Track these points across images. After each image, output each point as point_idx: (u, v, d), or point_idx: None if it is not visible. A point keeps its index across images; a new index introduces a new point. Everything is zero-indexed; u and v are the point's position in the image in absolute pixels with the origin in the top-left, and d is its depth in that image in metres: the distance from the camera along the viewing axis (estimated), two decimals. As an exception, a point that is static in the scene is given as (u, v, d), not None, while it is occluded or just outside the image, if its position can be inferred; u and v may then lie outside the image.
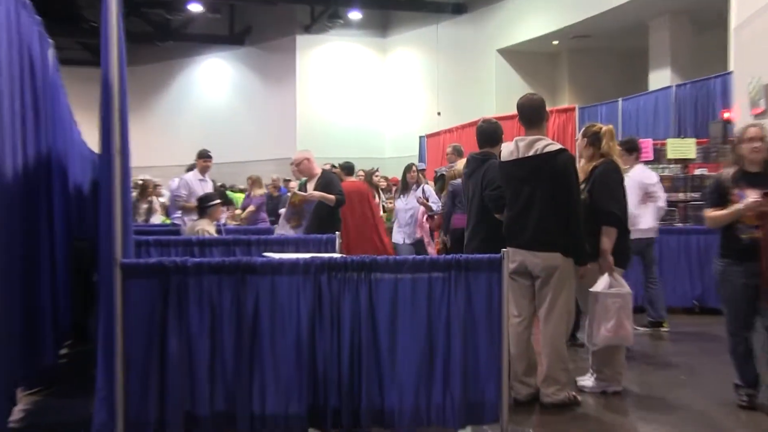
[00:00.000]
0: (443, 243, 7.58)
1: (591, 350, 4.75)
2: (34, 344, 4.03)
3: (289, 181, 12.06)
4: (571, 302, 4.52)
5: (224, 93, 22.38)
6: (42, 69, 4.36)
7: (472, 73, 18.27)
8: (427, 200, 7.94)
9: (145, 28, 20.29)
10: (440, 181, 8.23)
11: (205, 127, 21.37)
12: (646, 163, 7.38)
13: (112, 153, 3.46)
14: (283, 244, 5.64)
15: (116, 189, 3.46)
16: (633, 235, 6.07)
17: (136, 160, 4.15)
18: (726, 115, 9.72)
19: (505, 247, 4.00)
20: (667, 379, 5.18)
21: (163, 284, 3.63)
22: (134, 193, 10.43)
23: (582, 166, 4.81)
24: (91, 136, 6.01)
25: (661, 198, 6.73)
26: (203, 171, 8.05)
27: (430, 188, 8.39)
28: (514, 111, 4.83)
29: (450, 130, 13.20)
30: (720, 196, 4.32)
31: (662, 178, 7.22)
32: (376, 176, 10.07)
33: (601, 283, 4.54)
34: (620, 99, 13.43)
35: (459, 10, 18.60)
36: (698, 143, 8.56)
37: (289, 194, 7.61)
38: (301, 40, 20.36)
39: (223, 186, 15.02)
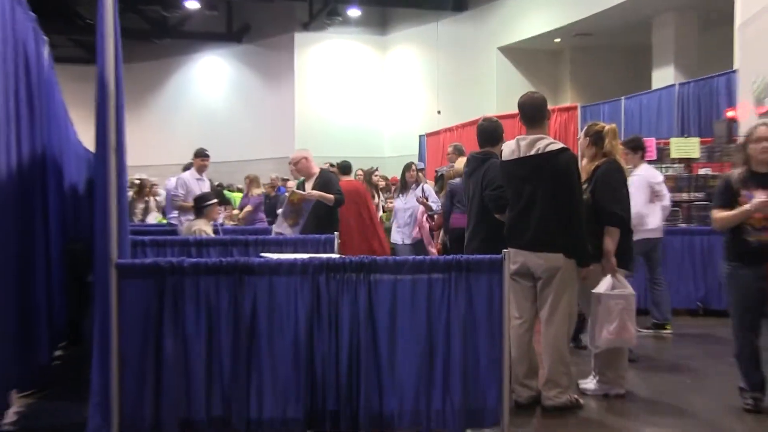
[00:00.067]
0: (443, 243, 7.57)
1: (593, 352, 4.75)
2: (28, 345, 4.03)
3: (287, 180, 12.05)
4: (574, 304, 4.51)
5: (222, 91, 22.38)
6: (37, 66, 4.35)
7: (473, 71, 18.27)
8: (427, 199, 7.92)
9: (141, 25, 20.28)
10: (440, 181, 8.22)
11: (202, 125, 21.38)
12: (650, 162, 7.37)
13: (108, 151, 3.46)
14: (281, 245, 5.64)
15: (112, 188, 3.46)
16: (641, 235, 6.10)
17: (132, 159, 4.15)
18: (729, 114, 9.71)
19: (506, 248, 4.01)
20: (671, 382, 5.17)
21: (159, 285, 3.63)
22: (131, 193, 10.43)
23: (584, 166, 4.81)
24: (86, 135, 6.01)
25: (666, 197, 6.73)
26: (200, 170, 8.04)
27: (429, 187, 8.38)
28: (515, 110, 4.82)
29: (450, 129, 13.19)
30: (728, 197, 4.29)
31: (665, 178, 7.21)
32: (376, 176, 10.06)
33: (604, 285, 4.54)
34: (623, 97, 13.42)
35: (459, 7, 18.60)
36: (702, 142, 8.54)
37: (287, 193, 7.60)
38: (300, 37, 20.36)
39: (220, 185, 15.01)
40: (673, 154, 8.27)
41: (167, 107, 23.16)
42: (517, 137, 4.52)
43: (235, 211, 10.98)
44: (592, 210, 4.58)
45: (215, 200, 6.67)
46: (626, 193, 4.78)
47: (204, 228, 6.26)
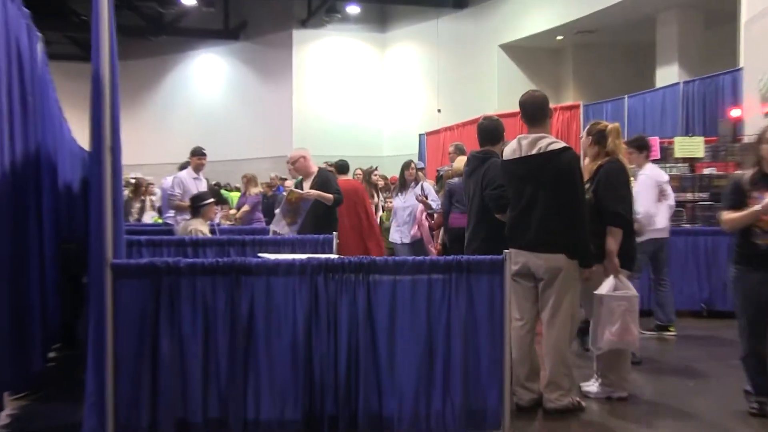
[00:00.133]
0: (443, 243, 7.58)
1: (595, 354, 4.75)
2: (21, 346, 4.02)
3: (285, 179, 12.06)
4: (576, 305, 4.51)
5: (219, 89, 22.38)
6: (30, 63, 4.35)
7: (474, 69, 18.27)
8: (426, 198, 7.91)
9: (137, 22, 20.28)
10: (441, 180, 8.22)
11: (199, 123, 21.38)
12: (654, 162, 7.38)
13: (103, 150, 3.46)
14: (278, 245, 5.65)
15: (107, 187, 3.46)
16: (649, 235, 6.11)
17: (127, 157, 4.15)
18: (731, 113, 9.71)
19: (507, 248, 4.01)
20: (675, 385, 5.18)
21: (155, 285, 3.63)
22: (126, 192, 10.44)
23: (586, 165, 4.81)
24: (81, 133, 6.01)
25: (671, 197, 6.75)
26: (197, 169, 8.04)
27: (429, 186, 8.37)
28: (516, 108, 4.83)
29: (450, 128, 13.18)
30: (738, 198, 4.28)
31: (669, 178, 7.22)
32: (375, 175, 10.06)
33: (606, 286, 4.54)
34: (626, 96, 13.44)
35: (460, 4, 18.60)
36: (707, 142, 8.55)
37: (285, 193, 7.60)
38: (298, 34, 20.37)
39: (217, 184, 15.02)
40: (677, 154, 8.27)
41: (163, 105, 23.15)
42: (519, 136, 4.52)
43: (232, 211, 10.99)
44: (594, 210, 4.58)
45: (212, 200, 6.67)
46: (629, 193, 4.79)
47: (200, 228, 6.26)
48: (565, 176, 4.30)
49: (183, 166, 8.49)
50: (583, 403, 4.54)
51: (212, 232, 6.54)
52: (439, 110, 18.38)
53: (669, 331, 6.66)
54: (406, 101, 20.31)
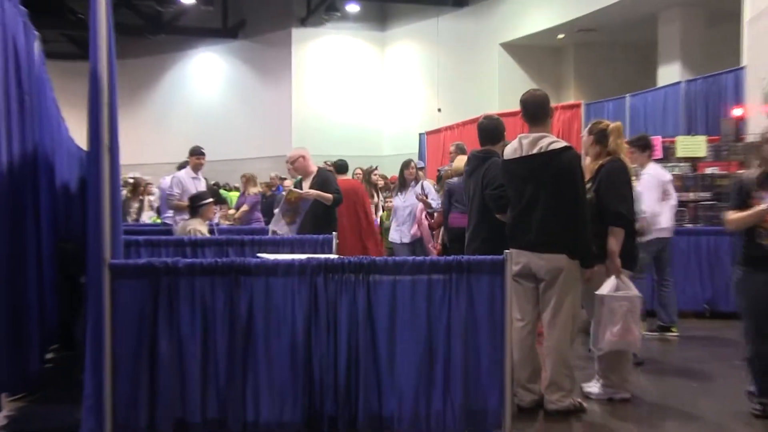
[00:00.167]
0: (443, 243, 7.58)
1: (596, 355, 4.75)
2: (18, 347, 4.03)
3: (285, 179, 12.06)
4: (577, 306, 4.52)
5: (217, 88, 22.38)
6: (27, 62, 4.35)
7: (474, 68, 18.27)
8: (426, 197, 7.90)
9: (135, 21, 20.27)
10: (442, 180, 8.22)
11: (197, 123, 21.37)
12: (656, 161, 7.37)
13: (101, 150, 3.47)
14: (277, 245, 5.65)
15: (105, 187, 3.47)
16: (653, 235, 6.12)
17: (125, 157, 4.15)
18: (734, 112, 9.71)
19: (508, 248, 4.01)
20: (677, 386, 5.18)
21: (153, 285, 3.64)
22: (125, 191, 10.44)
23: (588, 165, 4.81)
24: (78, 133, 6.00)
25: (673, 196, 6.75)
26: (196, 168, 8.04)
27: (429, 184, 8.36)
28: (517, 107, 4.83)
29: (451, 127, 13.16)
30: (742, 198, 4.28)
31: (672, 177, 7.22)
32: (375, 175, 10.06)
33: (607, 286, 4.54)
34: (628, 95, 13.43)
35: (460, 2, 18.60)
36: (709, 141, 8.54)
37: (284, 192, 7.61)
38: (297, 33, 20.37)
39: (216, 184, 15.02)
40: (679, 153, 8.27)
41: (162, 104, 23.15)
42: (520, 136, 4.52)
43: (231, 211, 10.99)
44: (595, 210, 4.58)
45: (211, 199, 6.67)
46: (631, 193, 4.79)
47: (199, 228, 6.27)
48: (566, 176, 4.31)
49: (181, 166, 8.49)
50: (585, 405, 4.54)
51: (211, 232, 6.54)
52: (439, 109, 18.38)
53: (671, 331, 6.67)
54: (406, 100, 20.31)
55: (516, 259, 4.29)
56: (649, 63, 15.43)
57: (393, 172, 10.55)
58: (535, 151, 4.37)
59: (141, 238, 5.66)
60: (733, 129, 9.11)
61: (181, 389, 3.65)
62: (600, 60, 17.32)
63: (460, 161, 6.81)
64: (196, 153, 8.07)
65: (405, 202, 8.23)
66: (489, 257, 3.90)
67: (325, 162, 9.38)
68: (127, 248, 5.07)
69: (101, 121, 3.46)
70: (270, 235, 6.50)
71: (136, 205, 10.53)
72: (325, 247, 5.71)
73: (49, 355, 5.50)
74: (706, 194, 8.02)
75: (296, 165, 7.02)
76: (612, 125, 4.85)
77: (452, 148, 7.86)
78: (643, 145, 6.53)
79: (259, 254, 4.65)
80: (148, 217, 10.69)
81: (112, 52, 3.55)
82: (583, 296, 4.60)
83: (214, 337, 3.69)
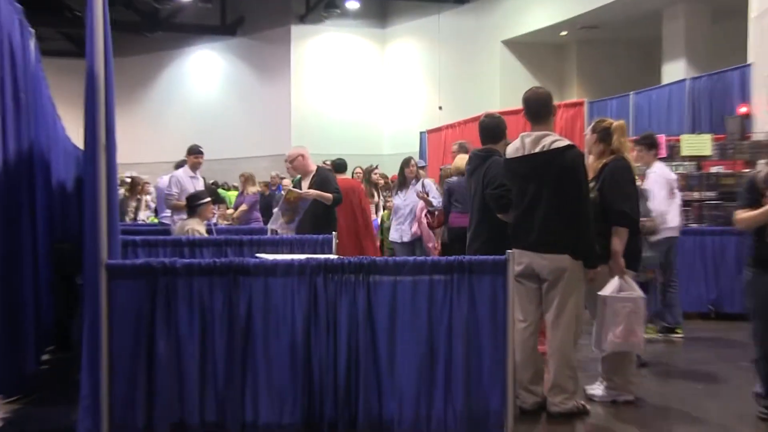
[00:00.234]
0: (443, 242, 7.59)
1: (600, 357, 4.75)
2: (14, 348, 4.03)
3: (284, 178, 12.07)
4: (581, 307, 4.51)
5: (216, 86, 22.38)
6: (23, 59, 4.36)
7: (476, 65, 18.27)
8: (427, 195, 7.89)
9: (132, 18, 20.29)
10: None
11: (195, 121, 21.38)
12: (660, 160, 7.38)
13: (98, 148, 3.47)
14: (277, 245, 5.65)
15: (102, 186, 3.47)
16: (663, 234, 6.13)
17: (122, 156, 4.16)
18: (742, 109, 9.71)
19: (509, 248, 4.01)
20: (682, 388, 5.18)
21: (150, 286, 3.64)
22: (122, 190, 10.45)
23: (591, 163, 4.81)
24: (75, 131, 6.01)
25: (678, 196, 6.77)
26: (194, 167, 8.03)
27: (430, 182, 8.34)
28: (519, 105, 4.83)
29: (452, 126, 13.15)
30: (753, 196, 4.26)
31: (677, 176, 7.23)
32: (375, 174, 10.06)
33: (610, 287, 4.54)
34: (632, 92, 13.42)
35: (461, -1, 18.63)
36: (714, 139, 8.53)
37: (283, 192, 7.62)
38: (296, 30, 20.37)
39: (215, 183, 15.03)
40: (684, 152, 8.27)
41: (159, 102, 23.16)
42: (522, 134, 4.52)
43: (230, 211, 11.00)
44: (599, 209, 4.58)
45: (209, 199, 6.67)
46: (635, 192, 4.79)
47: (197, 227, 6.27)
48: (569, 175, 4.31)
49: (179, 165, 8.49)
50: (588, 407, 4.55)
51: (209, 231, 6.54)
52: (440, 107, 18.37)
53: (676, 333, 6.66)
54: (407, 98, 20.31)
55: (518, 259, 4.29)
56: (653, 60, 15.42)
57: (393, 171, 10.55)
58: (537, 149, 4.37)
59: (138, 238, 5.66)
60: (738, 127, 9.12)
61: (179, 390, 3.66)
62: (603, 57, 17.31)
63: (461, 160, 6.81)
64: (195, 152, 8.07)
65: (405, 200, 8.21)
66: (491, 257, 3.90)
67: (324, 161, 9.38)
68: (124, 248, 5.07)
69: (98, 120, 3.46)
70: (269, 234, 6.50)
71: (133, 204, 10.53)
72: (325, 247, 5.72)
73: (45, 357, 5.50)
74: (712, 193, 8.02)
75: (295, 164, 7.03)
76: (616, 123, 4.85)
77: (455, 147, 7.85)
78: (649, 143, 6.54)
79: (258, 254, 4.66)
80: (144, 216, 10.69)
81: (108, 49, 3.55)
82: (586, 297, 4.60)
83: (213, 338, 3.70)
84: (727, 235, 7.47)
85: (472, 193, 5.11)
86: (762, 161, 4.39)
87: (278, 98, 20.45)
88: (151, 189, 11.85)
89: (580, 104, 9.29)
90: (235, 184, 14.41)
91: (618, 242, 4.58)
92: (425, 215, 8.01)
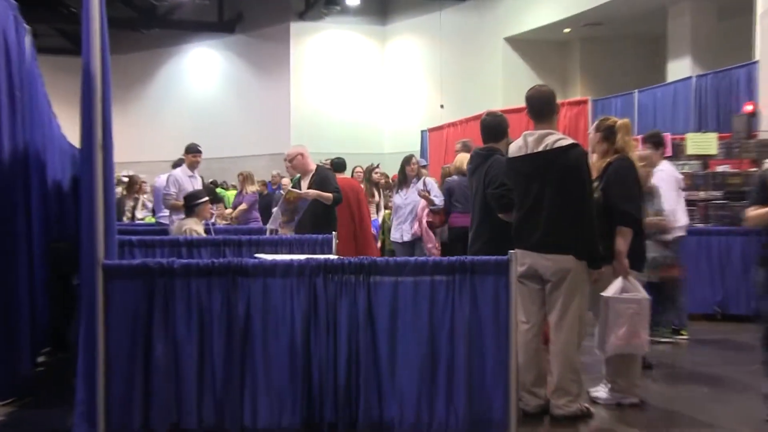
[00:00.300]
0: (442, 241, 7.58)
1: (604, 359, 4.75)
2: (8, 349, 4.03)
3: (283, 177, 12.07)
4: (584, 308, 4.51)
5: (214, 84, 22.39)
6: (18, 56, 4.36)
7: (478, 63, 18.27)
8: (429, 193, 7.87)
9: (129, 14, 20.30)
10: (446, 180, 8.20)
11: (193, 120, 21.40)
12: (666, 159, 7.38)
13: (94, 147, 3.47)
14: (276, 245, 5.66)
15: (98, 186, 3.47)
16: (674, 233, 6.14)
17: (119, 155, 4.16)
18: (748, 107, 9.71)
19: (511, 248, 4.00)
20: (688, 391, 5.18)
21: (148, 287, 3.64)
22: (119, 189, 10.45)
23: (595, 163, 4.81)
24: (71, 130, 6.02)
25: (682, 195, 6.78)
26: (192, 166, 8.03)
27: (432, 181, 8.32)
28: (521, 104, 4.83)
29: (454, 124, 13.17)
30: (764, 194, 4.26)
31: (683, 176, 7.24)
32: (376, 173, 10.06)
33: (613, 288, 4.53)
34: (636, 90, 13.43)
35: (463, -5, 18.63)
36: (720, 138, 8.54)
37: (282, 191, 7.62)
38: (296, 27, 20.37)
39: (214, 182, 15.04)
40: (690, 151, 8.27)
41: (156, 101, 23.17)
42: (525, 133, 4.52)
43: (228, 210, 11.00)
44: (603, 209, 4.58)
45: (206, 198, 6.67)
46: (639, 192, 4.79)
47: (195, 227, 6.27)
48: (572, 174, 4.30)
49: (176, 164, 8.49)
50: (592, 410, 4.54)
51: (207, 231, 6.54)
52: (441, 106, 18.37)
53: (681, 334, 6.66)
54: (408, 96, 20.31)
55: (521, 260, 4.28)
56: (658, 57, 15.43)
57: (394, 170, 10.55)
58: (540, 148, 4.37)
59: (135, 238, 5.66)
60: (745, 125, 9.11)
61: (177, 393, 3.66)
62: (607, 55, 17.31)
63: (461, 159, 6.82)
64: (193, 150, 8.07)
65: (406, 199, 8.18)
66: (493, 258, 3.90)
67: (324, 160, 9.37)
68: (120, 248, 5.07)
69: (94, 118, 3.46)
70: (268, 234, 6.50)
71: (131, 203, 10.53)
72: (325, 248, 5.72)
73: (40, 358, 5.51)
74: (717, 193, 8.01)
75: (294, 163, 7.02)
76: (620, 122, 4.85)
77: (458, 146, 7.85)
78: (656, 142, 6.55)
79: (257, 255, 4.66)
80: (142, 215, 10.68)
81: (105, 46, 3.55)
82: (590, 298, 4.59)
83: (211, 339, 3.70)
84: (733, 235, 7.46)
85: (473, 192, 5.10)
86: None
87: (277, 96, 20.45)
88: (148, 188, 11.85)
89: (584, 102, 9.30)
90: (234, 183, 14.42)
91: (622, 242, 4.57)
92: (426, 214, 8.00)
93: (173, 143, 13.63)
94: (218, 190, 14.13)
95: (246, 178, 10.66)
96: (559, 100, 4.79)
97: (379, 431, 3.77)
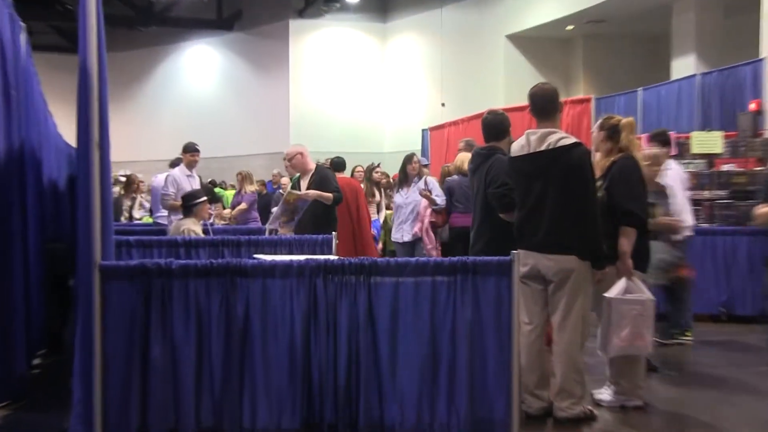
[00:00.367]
0: (442, 241, 7.58)
1: (607, 360, 4.75)
2: (3, 351, 4.04)
3: (283, 177, 12.08)
4: (588, 309, 4.51)
5: (212, 82, 22.40)
6: (13, 54, 4.36)
7: (479, 61, 18.26)
8: (430, 193, 7.87)
9: (126, 12, 20.31)
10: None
11: (191, 118, 21.40)
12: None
13: (91, 146, 3.47)
14: (275, 245, 5.66)
15: (95, 185, 3.47)
16: (684, 233, 6.15)
17: (116, 154, 4.15)
18: (752, 106, 9.70)
19: (514, 248, 4.00)
20: (693, 393, 5.18)
21: (145, 288, 3.64)
22: (117, 189, 10.45)
23: (598, 161, 4.81)
24: (67, 128, 6.01)
25: (687, 194, 6.78)
26: (190, 166, 8.03)
27: (433, 180, 8.32)
28: (523, 102, 4.84)
29: (455, 123, 13.17)
30: None
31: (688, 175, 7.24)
32: (377, 172, 10.06)
33: (616, 288, 4.53)
34: (640, 88, 13.40)
35: (465, -8, 18.63)
36: (726, 137, 8.54)
37: (282, 191, 7.62)
38: (295, 25, 20.37)
39: (213, 182, 15.05)
40: (695, 149, 8.27)
41: (154, 99, 23.18)
42: (527, 131, 4.52)
43: (226, 210, 11.00)
44: (606, 208, 4.58)
45: (204, 198, 6.67)
46: (644, 191, 4.78)
47: (193, 227, 6.27)
48: (576, 173, 4.30)
49: (174, 163, 8.50)
50: (596, 412, 4.54)
51: (206, 232, 6.54)
52: (443, 104, 18.38)
53: (686, 336, 6.66)
54: (409, 95, 20.31)
55: (524, 260, 4.29)
56: (662, 55, 15.40)
57: (394, 169, 10.56)
58: (543, 147, 4.37)
59: (132, 238, 5.66)
60: (750, 124, 9.11)
61: (175, 395, 3.66)
62: (611, 52, 17.29)
63: (461, 158, 6.81)
64: (191, 150, 8.06)
65: (407, 198, 8.17)
66: (495, 258, 3.90)
67: (323, 160, 9.37)
68: (118, 249, 5.07)
69: (91, 117, 3.46)
70: (267, 234, 6.50)
71: (128, 203, 10.54)
72: (325, 248, 5.72)
73: (36, 360, 5.51)
74: (723, 192, 8.01)
75: (294, 162, 7.03)
76: (624, 120, 4.85)
77: (461, 144, 7.84)
78: (663, 140, 6.55)
79: (256, 255, 4.66)
80: (139, 215, 10.69)
81: (102, 44, 3.55)
82: (593, 298, 4.59)
83: (209, 341, 3.70)
84: (738, 235, 7.46)
85: (474, 192, 5.10)
86: None
87: (276, 95, 20.45)
88: (145, 188, 11.86)
89: (587, 101, 9.31)
90: (233, 182, 14.42)
91: (626, 243, 4.57)
92: (428, 214, 8.00)
93: (171, 142, 13.62)
94: (217, 189, 14.13)
95: (245, 178, 10.67)
96: (562, 99, 4.79)
97: (380, 432, 3.77)
